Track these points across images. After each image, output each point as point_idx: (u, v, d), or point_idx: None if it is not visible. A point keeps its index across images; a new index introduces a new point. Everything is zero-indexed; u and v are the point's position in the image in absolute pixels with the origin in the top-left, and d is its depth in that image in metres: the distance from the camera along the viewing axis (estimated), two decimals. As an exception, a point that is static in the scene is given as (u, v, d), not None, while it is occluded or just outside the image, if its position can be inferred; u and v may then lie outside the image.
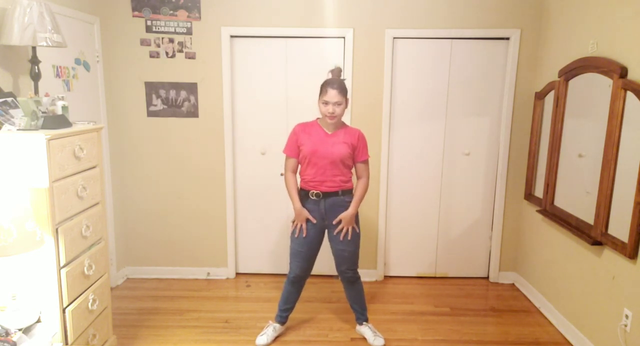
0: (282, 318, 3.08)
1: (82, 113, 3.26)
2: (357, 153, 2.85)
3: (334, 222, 2.86)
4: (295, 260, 2.94)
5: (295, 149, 2.85)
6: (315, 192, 2.82)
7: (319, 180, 2.81)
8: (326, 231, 2.95)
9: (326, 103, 2.73)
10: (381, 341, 2.99)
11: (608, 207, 2.66)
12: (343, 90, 2.74)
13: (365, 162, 2.89)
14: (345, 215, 2.83)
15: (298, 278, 2.98)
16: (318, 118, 2.89)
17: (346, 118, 3.72)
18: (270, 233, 4.00)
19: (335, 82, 2.74)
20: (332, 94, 2.71)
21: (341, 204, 2.85)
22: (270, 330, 3.03)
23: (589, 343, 2.86)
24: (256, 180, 3.91)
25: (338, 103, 2.72)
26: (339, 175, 2.82)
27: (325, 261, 3.88)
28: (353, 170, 2.94)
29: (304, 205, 2.87)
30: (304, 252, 2.91)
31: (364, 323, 3.09)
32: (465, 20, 3.62)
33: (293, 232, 2.91)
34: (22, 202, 2.07)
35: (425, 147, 3.84)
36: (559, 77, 3.24)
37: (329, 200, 2.84)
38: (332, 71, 2.84)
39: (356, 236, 2.90)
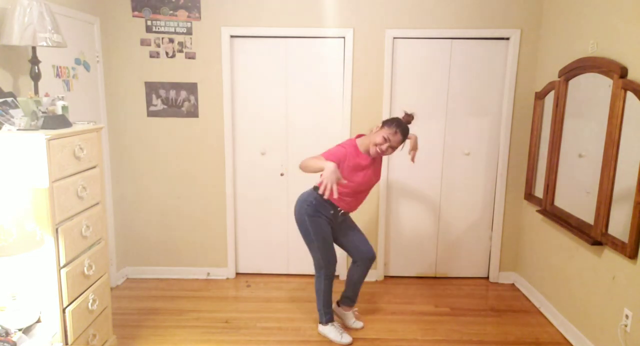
0: (331, 315, 3.13)
1: (82, 113, 3.26)
2: None
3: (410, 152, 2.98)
4: (332, 254, 2.98)
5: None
6: (343, 211, 2.94)
7: (352, 202, 2.91)
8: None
9: (387, 140, 2.73)
10: (360, 323, 3.21)
11: (608, 207, 2.66)
12: (405, 138, 2.81)
13: None
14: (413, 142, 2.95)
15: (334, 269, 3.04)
16: (357, 139, 2.86)
17: (346, 118, 3.73)
18: (270, 233, 4.00)
19: (407, 131, 2.80)
20: (398, 140, 2.76)
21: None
22: (339, 328, 3.09)
23: (589, 343, 2.86)
24: (256, 180, 3.91)
25: (393, 148, 2.78)
26: (365, 197, 3.00)
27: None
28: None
29: (322, 211, 2.88)
30: (330, 243, 2.97)
31: (351, 307, 3.22)
32: (465, 20, 3.62)
33: (320, 235, 2.89)
34: (22, 202, 2.07)
35: (425, 147, 3.83)
36: (559, 77, 3.24)
37: (348, 215, 3.05)
38: (408, 115, 2.86)
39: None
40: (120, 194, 3.86)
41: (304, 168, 2.64)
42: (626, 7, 2.60)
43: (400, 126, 2.75)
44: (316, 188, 2.88)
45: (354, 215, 3.15)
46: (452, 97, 3.76)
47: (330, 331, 3.06)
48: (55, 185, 2.14)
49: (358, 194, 2.89)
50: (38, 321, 2.20)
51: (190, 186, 3.90)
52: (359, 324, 3.20)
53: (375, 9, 3.62)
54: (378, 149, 2.75)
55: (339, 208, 2.90)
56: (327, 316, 3.09)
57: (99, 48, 3.51)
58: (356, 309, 3.27)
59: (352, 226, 3.10)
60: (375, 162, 2.88)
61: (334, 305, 3.21)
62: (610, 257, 2.68)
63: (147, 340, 3.03)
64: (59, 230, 2.18)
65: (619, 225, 2.57)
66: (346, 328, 3.16)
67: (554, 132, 3.27)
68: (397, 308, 3.50)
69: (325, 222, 2.90)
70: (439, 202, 3.93)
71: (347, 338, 3.02)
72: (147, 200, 3.92)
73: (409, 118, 2.84)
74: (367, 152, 2.81)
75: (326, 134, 3.78)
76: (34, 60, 2.49)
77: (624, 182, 2.54)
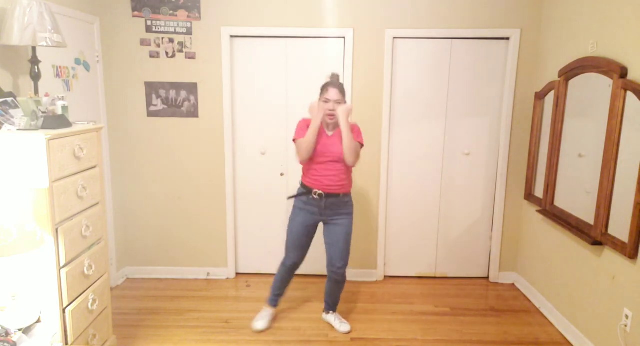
0: (277, 302, 3.26)
1: (82, 113, 3.26)
2: None
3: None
4: (293, 248, 3.06)
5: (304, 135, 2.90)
6: (318, 192, 2.90)
7: (319, 177, 2.89)
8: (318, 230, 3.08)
9: (327, 101, 2.84)
10: (347, 327, 3.15)
11: (608, 207, 2.66)
12: (342, 91, 2.89)
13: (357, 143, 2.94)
14: (343, 108, 2.84)
15: (295, 265, 3.12)
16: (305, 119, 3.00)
17: (346, 118, 3.73)
18: (270, 233, 4.00)
19: (335, 83, 2.89)
20: (333, 93, 2.84)
21: (340, 204, 2.96)
22: (266, 314, 3.20)
23: (589, 343, 2.86)
24: (256, 180, 3.91)
25: (337, 102, 2.84)
26: (339, 174, 2.89)
27: (325, 262, 3.89)
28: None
29: (303, 203, 2.96)
30: (302, 240, 3.03)
31: (331, 312, 3.25)
32: (465, 20, 3.62)
33: (291, 224, 3.04)
34: (22, 202, 2.07)
35: (425, 147, 3.83)
36: (559, 77, 3.24)
37: (329, 199, 2.92)
38: (331, 76, 2.96)
39: (349, 232, 3.00)
40: (120, 194, 3.86)
41: (300, 148, 2.85)
42: (626, 7, 2.60)
43: (328, 84, 2.87)
44: (301, 183, 3.01)
45: (355, 214, 3.13)
46: (452, 97, 3.76)
47: (264, 315, 3.20)
48: (55, 185, 2.14)
49: (321, 165, 2.87)
50: (38, 321, 2.20)
51: (190, 186, 3.90)
52: (345, 327, 3.13)
53: (375, 9, 3.62)
54: (327, 111, 2.83)
55: (313, 190, 2.91)
56: (271, 302, 3.23)
57: (99, 48, 3.51)
58: (337, 313, 3.25)
59: (339, 232, 2.97)
60: (334, 137, 2.91)
61: (323, 315, 3.29)
62: (610, 257, 2.68)
63: (147, 340, 3.03)
64: (59, 230, 2.18)
65: (619, 225, 2.57)
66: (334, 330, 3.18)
67: (554, 132, 3.27)
68: (397, 308, 3.50)
69: (302, 219, 2.97)
70: (439, 202, 3.93)
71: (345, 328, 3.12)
72: (147, 200, 3.92)
73: (333, 77, 2.95)
74: (327, 127, 2.92)
75: (326, 134, 3.78)
76: (34, 60, 2.49)
77: (624, 182, 2.54)
